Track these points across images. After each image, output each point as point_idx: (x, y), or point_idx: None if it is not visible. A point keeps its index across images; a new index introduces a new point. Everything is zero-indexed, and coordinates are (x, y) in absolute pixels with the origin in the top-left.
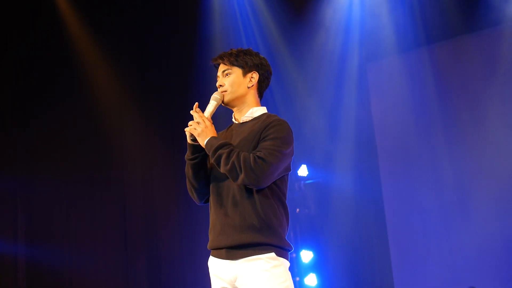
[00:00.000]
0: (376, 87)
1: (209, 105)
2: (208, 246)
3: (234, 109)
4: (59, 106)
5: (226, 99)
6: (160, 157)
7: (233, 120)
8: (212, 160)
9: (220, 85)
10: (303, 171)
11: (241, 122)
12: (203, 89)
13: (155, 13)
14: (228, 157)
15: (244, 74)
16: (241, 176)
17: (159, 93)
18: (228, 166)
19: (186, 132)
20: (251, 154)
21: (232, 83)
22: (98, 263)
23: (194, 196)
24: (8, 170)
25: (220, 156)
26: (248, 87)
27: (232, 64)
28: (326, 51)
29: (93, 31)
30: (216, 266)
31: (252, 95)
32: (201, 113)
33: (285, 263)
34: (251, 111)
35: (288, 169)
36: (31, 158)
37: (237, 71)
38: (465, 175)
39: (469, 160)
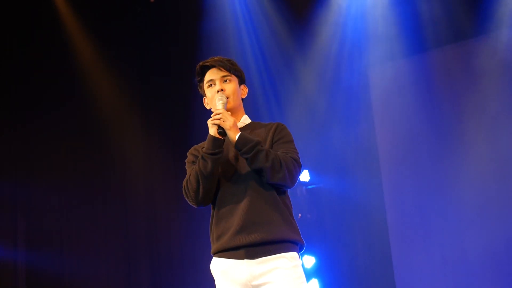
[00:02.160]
0: (377, 92)
1: (219, 104)
2: (219, 249)
3: None
4: (60, 112)
5: (228, 106)
6: (161, 160)
7: None
8: (247, 156)
9: (222, 90)
10: (305, 176)
11: None
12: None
13: (156, 20)
14: (268, 154)
15: (239, 84)
16: (280, 175)
17: (161, 98)
18: (269, 163)
19: (211, 126)
20: (286, 155)
21: (234, 91)
22: (100, 269)
23: (198, 196)
24: (7, 175)
25: (259, 153)
26: (241, 98)
27: (232, 72)
28: (327, 55)
29: (94, 37)
30: (229, 268)
31: (242, 106)
32: (222, 109)
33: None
34: (244, 117)
35: None
36: (31, 163)
37: (235, 80)
38: (467, 180)
39: (472, 165)
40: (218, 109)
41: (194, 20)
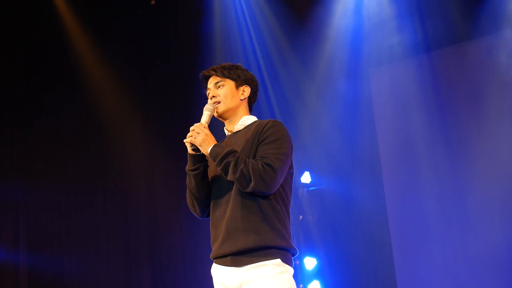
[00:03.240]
0: (378, 93)
1: (203, 115)
2: (212, 256)
3: (226, 121)
4: (60, 113)
5: (220, 110)
6: (162, 162)
7: (226, 132)
8: (218, 169)
9: (213, 96)
10: (306, 178)
11: (234, 131)
12: (205, 97)
13: (157, 22)
14: (236, 165)
15: (237, 86)
16: (251, 185)
17: (161, 99)
18: (237, 175)
19: (186, 144)
20: (258, 161)
21: (226, 94)
22: (101, 271)
23: (196, 209)
24: (9, 178)
25: (228, 165)
26: (241, 100)
27: (226, 76)
28: (328, 56)
29: (94, 38)
30: (221, 274)
31: (244, 107)
32: (198, 124)
33: (290, 270)
34: (243, 119)
35: (290, 167)
36: (33, 165)
37: (230, 83)
38: (468, 181)
39: (472, 166)
40: (192, 127)
41: (194, 21)
